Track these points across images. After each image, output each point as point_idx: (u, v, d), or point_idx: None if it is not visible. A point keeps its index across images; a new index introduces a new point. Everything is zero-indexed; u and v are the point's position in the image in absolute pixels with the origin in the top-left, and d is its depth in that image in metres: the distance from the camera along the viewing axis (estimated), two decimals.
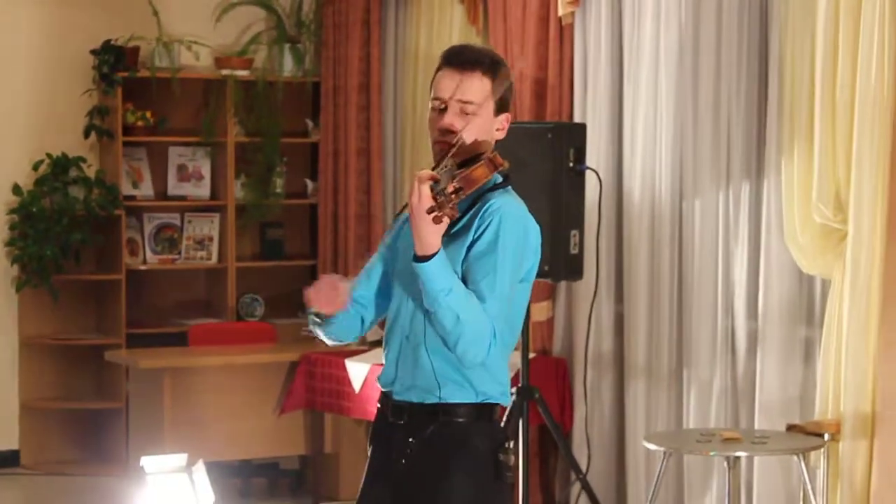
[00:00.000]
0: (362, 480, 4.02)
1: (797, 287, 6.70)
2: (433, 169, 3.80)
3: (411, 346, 3.87)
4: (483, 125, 3.87)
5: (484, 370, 3.82)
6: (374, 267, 4.03)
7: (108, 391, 9.33)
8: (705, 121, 7.10)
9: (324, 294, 3.84)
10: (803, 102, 6.42)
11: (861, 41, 6.10)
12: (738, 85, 6.96)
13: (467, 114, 3.85)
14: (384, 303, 4.01)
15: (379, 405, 4.01)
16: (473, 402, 3.85)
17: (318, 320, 3.97)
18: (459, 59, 3.90)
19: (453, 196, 3.65)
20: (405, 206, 3.81)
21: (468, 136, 3.82)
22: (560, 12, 7.73)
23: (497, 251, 3.76)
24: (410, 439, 3.88)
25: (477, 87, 3.86)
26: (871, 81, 6.05)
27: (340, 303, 3.85)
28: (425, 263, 3.68)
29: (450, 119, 3.85)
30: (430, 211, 3.64)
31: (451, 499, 3.83)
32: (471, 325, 3.70)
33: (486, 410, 3.87)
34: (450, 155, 3.80)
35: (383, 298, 4.01)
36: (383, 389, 3.98)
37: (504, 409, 3.98)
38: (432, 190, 3.68)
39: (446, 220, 3.68)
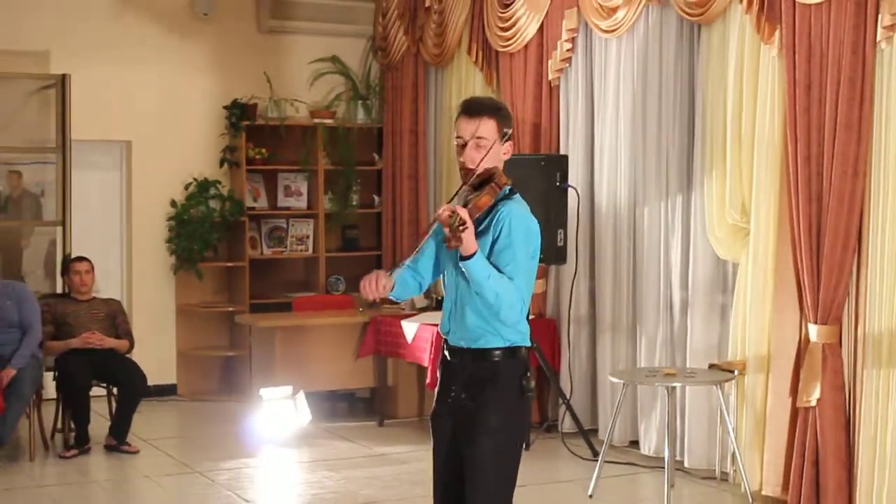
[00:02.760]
0: (434, 401, 3.94)
1: (715, 268, 6.68)
2: (456, 193, 3.78)
3: (459, 306, 3.79)
4: (493, 153, 3.75)
5: (511, 323, 3.76)
6: (427, 247, 3.90)
7: (237, 343, 9.32)
8: (651, 152, 7.08)
9: (370, 284, 3.75)
10: (718, 140, 6.42)
11: (758, 100, 6.10)
12: (673, 128, 6.94)
13: (481, 147, 3.74)
14: (437, 272, 3.91)
15: (444, 347, 3.92)
16: (503, 346, 3.77)
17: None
18: (472, 108, 3.80)
19: (459, 229, 3.55)
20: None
21: (481, 166, 3.75)
22: (550, 77, 7.74)
23: (512, 244, 3.69)
24: (462, 372, 3.82)
25: (486, 127, 3.75)
26: (766, 127, 6.05)
27: (382, 290, 3.74)
28: (469, 261, 3.61)
29: (469, 153, 3.75)
30: (445, 241, 3.61)
31: (491, 411, 3.76)
32: (506, 297, 3.64)
33: (512, 351, 3.79)
34: (467, 184, 3.76)
35: (437, 268, 3.91)
36: (443, 336, 3.88)
37: (526, 348, 3.95)
38: (452, 222, 3.57)
39: (470, 234, 3.60)
